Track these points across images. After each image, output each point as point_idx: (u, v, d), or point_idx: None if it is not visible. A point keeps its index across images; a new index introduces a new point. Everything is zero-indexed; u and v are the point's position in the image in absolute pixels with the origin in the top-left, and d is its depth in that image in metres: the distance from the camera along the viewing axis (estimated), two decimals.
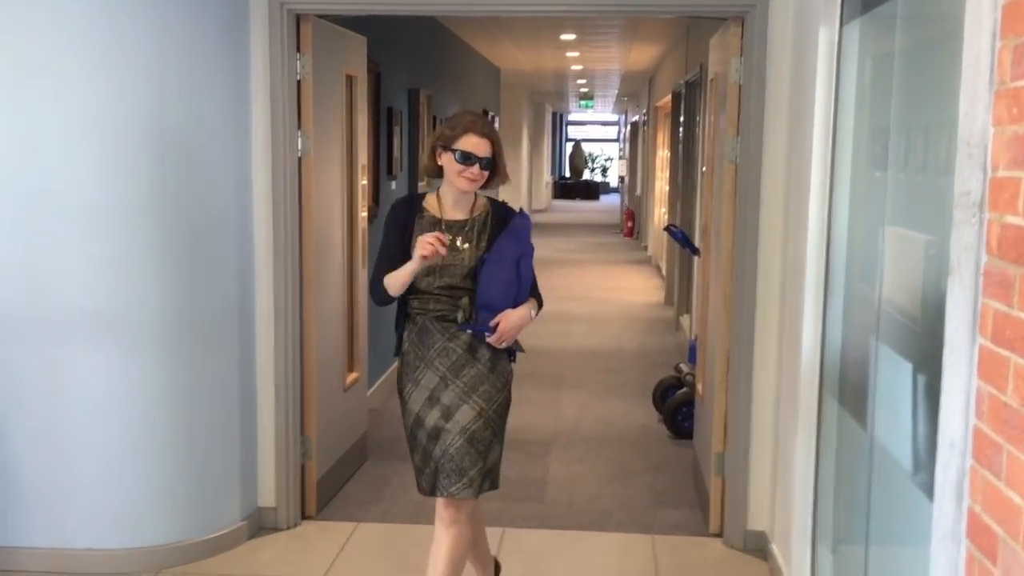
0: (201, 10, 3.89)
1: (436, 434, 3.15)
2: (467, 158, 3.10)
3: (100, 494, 3.88)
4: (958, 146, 1.88)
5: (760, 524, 4.25)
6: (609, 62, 14.19)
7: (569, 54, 13.06)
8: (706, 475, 4.55)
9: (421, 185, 7.53)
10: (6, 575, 3.85)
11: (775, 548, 4.06)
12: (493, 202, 3.29)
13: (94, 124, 3.73)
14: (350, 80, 5.03)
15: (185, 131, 3.89)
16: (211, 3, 3.94)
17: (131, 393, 3.86)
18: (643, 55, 12.74)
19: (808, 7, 3.68)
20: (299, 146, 4.29)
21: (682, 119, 9.25)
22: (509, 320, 3.14)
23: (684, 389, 5.92)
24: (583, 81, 18.71)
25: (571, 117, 36.88)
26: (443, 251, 3.00)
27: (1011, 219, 1.67)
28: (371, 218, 5.52)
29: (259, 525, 4.35)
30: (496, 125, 15.35)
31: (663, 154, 12.66)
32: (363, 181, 5.28)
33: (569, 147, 35.40)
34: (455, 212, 3.21)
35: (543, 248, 15.93)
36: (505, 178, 3.21)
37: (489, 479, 3.19)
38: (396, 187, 7.01)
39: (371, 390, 5.88)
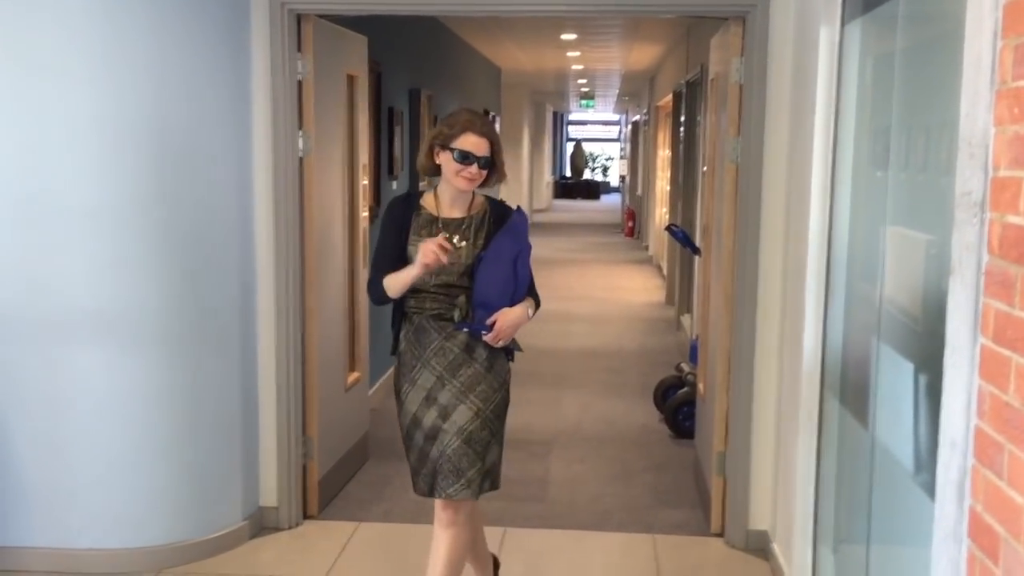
0: (202, 10, 3.90)
1: (433, 434, 3.13)
2: (465, 157, 3.08)
3: (102, 494, 3.88)
4: (959, 146, 1.88)
5: (761, 524, 4.25)
6: (610, 62, 14.19)
7: (570, 54, 13.07)
8: (707, 475, 4.55)
9: (422, 185, 7.53)
10: (8, 575, 3.85)
11: (776, 548, 4.06)
12: (491, 200, 3.27)
13: (95, 124, 3.73)
14: (351, 80, 5.03)
15: (186, 131, 3.89)
16: (212, 3, 3.94)
17: (132, 393, 3.86)
18: (644, 55, 12.74)
19: (809, 7, 3.68)
20: (300, 146, 4.29)
21: (683, 119, 9.25)
22: (506, 318, 3.12)
23: (685, 389, 5.92)
24: (584, 81, 18.72)
25: (572, 117, 36.88)
26: (444, 259, 2.99)
27: (1012, 219, 1.67)
28: (372, 218, 5.52)
29: (261, 525, 4.35)
30: (497, 125, 15.36)
31: (664, 154, 12.66)
32: (364, 181, 5.29)
33: (570, 147, 35.41)
34: (453, 210, 3.19)
35: (544, 248, 15.96)
36: (503, 177, 3.20)
37: (489, 479, 3.18)
38: (397, 187, 7.02)
39: (372, 390, 5.89)
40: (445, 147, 3.11)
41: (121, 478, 3.89)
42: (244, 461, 4.25)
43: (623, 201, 22.30)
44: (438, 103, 8.82)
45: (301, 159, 4.31)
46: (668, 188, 10.96)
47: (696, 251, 5.95)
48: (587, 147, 35.39)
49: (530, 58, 13.77)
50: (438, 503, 3.16)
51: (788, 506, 3.82)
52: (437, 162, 3.15)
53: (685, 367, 6.17)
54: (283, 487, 4.37)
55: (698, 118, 7.80)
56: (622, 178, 23.12)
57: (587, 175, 34.55)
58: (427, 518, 3.26)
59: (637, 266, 14.68)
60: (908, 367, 2.64)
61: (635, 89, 19.12)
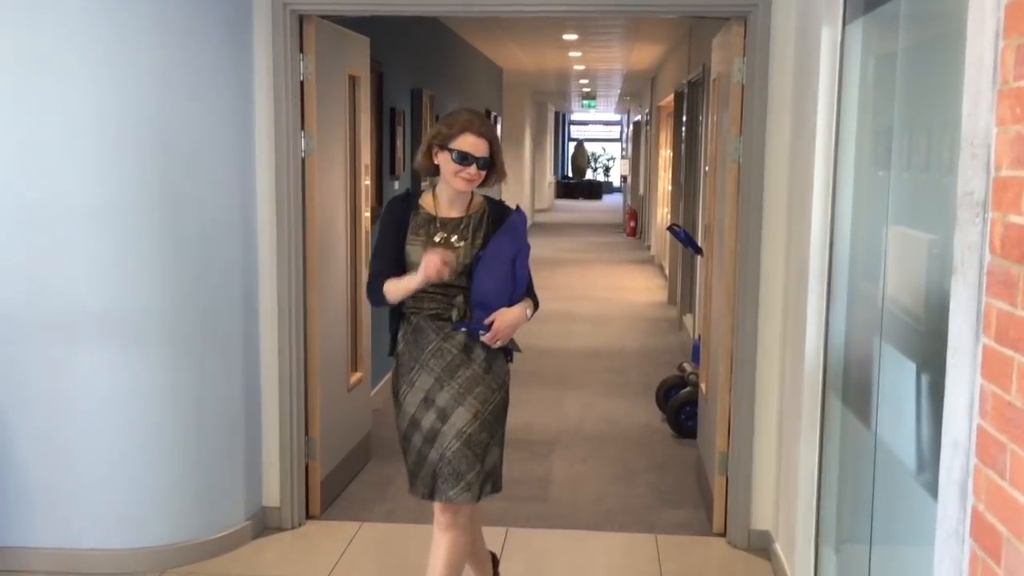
0: (204, 10, 3.90)
1: (432, 437, 3.11)
2: (464, 158, 3.06)
3: (105, 494, 3.89)
4: (961, 146, 1.88)
5: (764, 523, 4.25)
6: (611, 62, 14.19)
7: (571, 54, 13.07)
8: (710, 474, 4.55)
9: (424, 185, 7.53)
10: (11, 575, 3.86)
11: (779, 548, 4.06)
12: (490, 200, 3.25)
13: (97, 124, 3.73)
14: (353, 80, 5.04)
15: (189, 131, 3.89)
16: (214, 3, 3.94)
17: (135, 393, 3.87)
18: (645, 55, 12.74)
19: (811, 7, 3.68)
20: (302, 146, 4.30)
21: (685, 119, 9.25)
22: (504, 319, 3.09)
23: (687, 388, 5.92)
24: (585, 81, 18.71)
25: (574, 117, 36.88)
26: (446, 273, 2.98)
27: (1014, 219, 1.67)
28: (374, 218, 5.52)
29: (263, 525, 4.36)
30: (499, 125, 15.36)
31: (666, 154, 12.66)
32: (366, 181, 5.29)
33: (572, 147, 35.42)
34: (451, 210, 3.17)
35: (546, 248, 15.96)
36: (503, 176, 3.18)
37: (491, 482, 3.17)
38: (399, 187, 7.02)
39: (375, 390, 5.89)
40: (444, 147, 3.09)
41: (124, 478, 3.89)
42: (247, 461, 4.25)
43: (625, 201, 22.30)
44: (440, 103, 8.82)
45: (303, 159, 4.31)
46: (670, 188, 10.96)
47: (698, 251, 5.95)
48: (589, 147, 35.41)
49: (532, 58, 13.78)
50: (437, 506, 3.14)
51: (790, 506, 3.82)
52: (436, 162, 3.13)
53: (687, 367, 6.17)
54: (286, 487, 4.37)
55: (700, 118, 7.80)
56: (624, 178, 23.11)
57: (589, 175, 34.56)
58: (429, 518, 3.26)
59: (639, 266, 14.68)
60: (910, 367, 2.64)
61: (637, 89, 19.11)
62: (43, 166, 3.71)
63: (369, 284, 3.20)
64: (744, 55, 4.12)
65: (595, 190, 32.18)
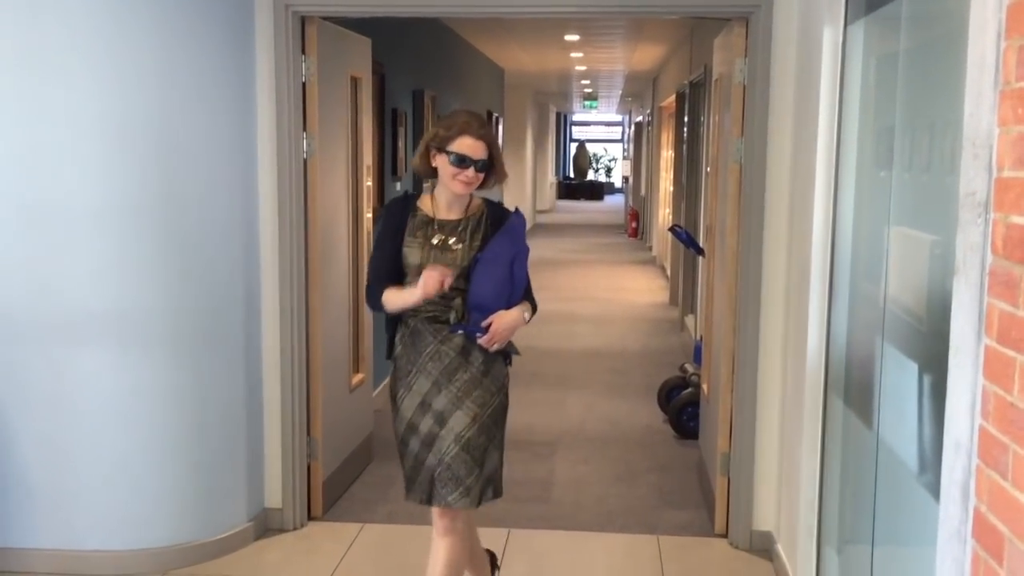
0: (206, 11, 3.90)
1: (430, 441, 3.09)
2: (462, 161, 3.03)
3: (107, 495, 3.89)
4: (963, 146, 1.88)
5: (766, 524, 4.25)
6: (613, 63, 14.20)
7: (573, 55, 13.07)
8: (711, 475, 4.55)
9: (427, 186, 7.53)
10: None
11: (781, 548, 4.06)
12: (488, 202, 3.23)
13: (100, 125, 3.73)
14: (355, 81, 5.04)
15: (191, 133, 3.90)
16: (216, 5, 3.95)
17: (137, 394, 3.87)
18: (647, 55, 12.74)
19: (812, 7, 3.69)
20: (304, 147, 4.30)
21: (686, 119, 9.25)
22: (502, 321, 3.05)
23: (689, 389, 5.92)
24: (587, 82, 18.72)
25: (575, 117, 36.89)
26: (447, 288, 2.96)
27: (1016, 219, 1.67)
28: (376, 219, 5.53)
29: (265, 526, 4.36)
30: (500, 126, 15.37)
31: (667, 154, 12.66)
32: (368, 182, 5.29)
33: (573, 147, 35.43)
34: (449, 212, 3.14)
35: (548, 249, 15.96)
36: (504, 177, 3.15)
37: (492, 487, 3.14)
38: (401, 188, 7.02)
39: (376, 391, 5.89)
40: (441, 150, 3.06)
41: (126, 479, 3.89)
42: (249, 462, 4.25)
43: (626, 202, 22.30)
44: (442, 104, 8.82)
45: (305, 160, 4.32)
46: (671, 189, 10.96)
47: (700, 252, 5.95)
48: (591, 148, 35.41)
49: (533, 59, 13.78)
50: (435, 511, 3.11)
51: (792, 507, 3.82)
52: (433, 165, 3.11)
53: (689, 368, 6.17)
54: (287, 488, 4.38)
55: (701, 119, 7.80)
56: (625, 179, 23.12)
57: (591, 176, 34.57)
58: (431, 520, 3.25)
59: (641, 267, 14.68)
60: (912, 367, 2.64)
61: (638, 90, 19.12)
62: (45, 167, 3.72)
63: (368, 288, 3.18)
64: (746, 56, 4.12)
65: (597, 191, 32.19)
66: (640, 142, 19.53)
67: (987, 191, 1.78)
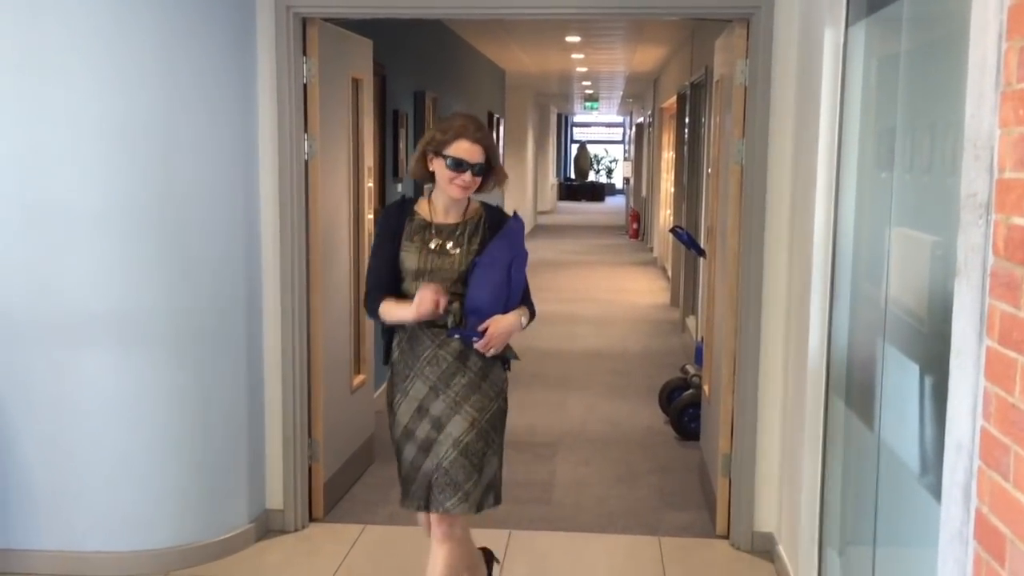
0: (208, 13, 3.91)
1: (427, 447, 3.06)
2: (458, 164, 3.00)
3: (108, 496, 3.89)
4: (964, 147, 1.89)
5: (767, 526, 4.25)
6: (614, 64, 14.20)
7: (574, 56, 13.07)
8: (713, 476, 4.55)
9: (428, 188, 7.53)
10: None
11: (782, 550, 4.06)
12: (487, 206, 3.20)
13: (101, 127, 3.74)
14: (356, 83, 5.04)
15: (192, 134, 3.90)
16: (218, 6, 3.95)
17: (139, 395, 3.87)
18: (648, 57, 12.75)
19: (813, 9, 3.69)
20: (306, 149, 4.30)
21: (687, 121, 9.25)
22: (498, 326, 3.01)
23: (690, 390, 5.92)
24: (588, 83, 18.72)
25: (576, 119, 36.90)
26: (440, 311, 2.94)
27: (1018, 220, 1.67)
28: (377, 220, 5.53)
29: (267, 527, 4.36)
30: (501, 127, 15.37)
31: (668, 156, 12.66)
32: (369, 183, 5.30)
33: (574, 149, 35.44)
34: (447, 217, 3.12)
35: (549, 250, 15.97)
36: (503, 180, 3.13)
37: (492, 494, 3.11)
38: (402, 189, 7.03)
39: (378, 392, 5.89)
40: (438, 154, 3.04)
41: (128, 480, 3.90)
42: (250, 463, 4.26)
43: (627, 203, 22.31)
44: (443, 105, 8.83)
45: (306, 162, 4.32)
46: (672, 190, 10.96)
47: (701, 253, 5.95)
48: (592, 149, 35.42)
49: (534, 60, 13.79)
50: (434, 517, 3.08)
51: (794, 508, 3.82)
52: (430, 169, 3.08)
53: (690, 369, 6.17)
54: (289, 489, 4.38)
55: (702, 120, 7.80)
56: (626, 180, 23.13)
57: (591, 177, 34.57)
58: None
59: (642, 268, 14.68)
60: (914, 369, 2.64)
61: (639, 91, 19.12)
62: (47, 168, 3.72)
63: (366, 296, 3.16)
64: (747, 57, 4.13)
65: (598, 192, 32.19)
66: (641, 143, 19.53)
67: (988, 192, 1.78)
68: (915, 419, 2.62)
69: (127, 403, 3.86)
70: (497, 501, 3.15)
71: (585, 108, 28.04)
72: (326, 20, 4.41)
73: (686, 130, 9.32)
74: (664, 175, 13.51)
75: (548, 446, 5.72)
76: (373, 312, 3.13)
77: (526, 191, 20.12)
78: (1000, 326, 1.74)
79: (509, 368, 3.21)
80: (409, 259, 3.08)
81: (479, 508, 3.07)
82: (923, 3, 2.72)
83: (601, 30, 10.33)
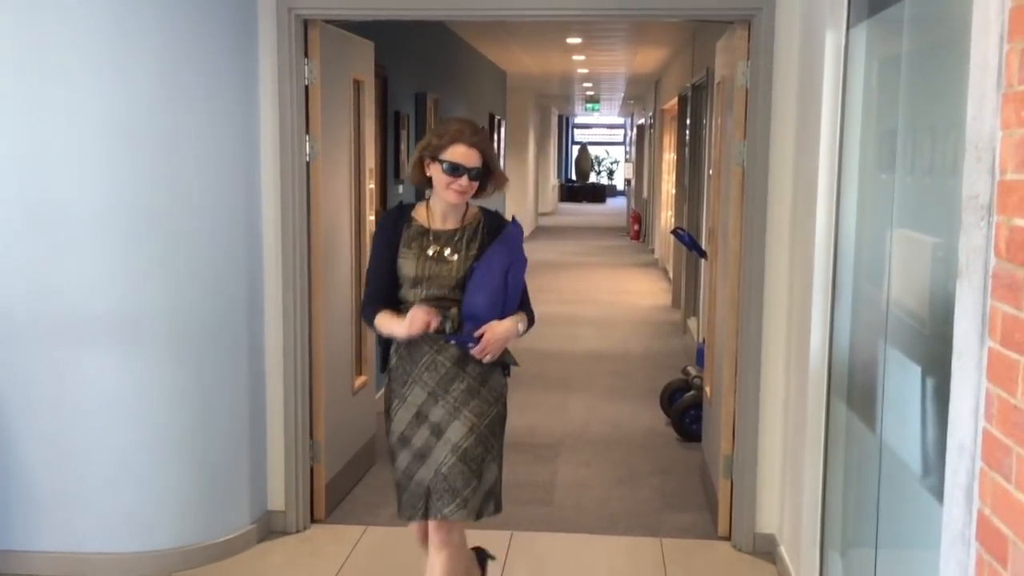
0: (210, 15, 3.91)
1: (425, 453, 3.04)
2: (455, 169, 2.98)
3: (110, 498, 3.89)
4: (966, 149, 1.89)
5: (769, 527, 4.25)
6: (615, 65, 14.20)
7: (575, 57, 13.08)
8: (714, 478, 4.55)
9: (429, 191, 7.53)
10: None
11: (784, 551, 4.05)
12: (485, 211, 3.17)
13: (103, 128, 3.74)
14: (358, 85, 5.05)
15: (194, 135, 3.90)
16: (220, 8, 3.96)
17: (140, 396, 3.87)
18: (649, 58, 12.75)
19: (815, 10, 3.69)
20: (307, 150, 4.31)
21: (688, 122, 9.25)
22: (494, 331, 2.98)
23: (692, 392, 5.92)
24: (589, 84, 18.73)
25: (577, 120, 36.92)
26: (432, 329, 2.94)
27: (1019, 222, 1.67)
28: (378, 222, 5.53)
29: (268, 528, 4.36)
30: (502, 128, 15.37)
31: (669, 157, 12.66)
32: (370, 185, 5.30)
33: (575, 150, 35.44)
34: (445, 222, 3.09)
35: (550, 251, 15.97)
36: (503, 183, 3.11)
37: (492, 501, 3.08)
38: (403, 191, 7.03)
39: (379, 393, 5.89)
40: (435, 159, 3.02)
41: (129, 482, 3.90)
42: (252, 464, 4.26)
43: (629, 204, 22.31)
44: (444, 107, 8.83)
45: (308, 163, 4.32)
46: (674, 191, 10.97)
47: (702, 254, 5.95)
48: (593, 150, 35.43)
49: (535, 62, 13.79)
50: (431, 524, 3.05)
51: (795, 509, 3.81)
52: (428, 174, 3.06)
53: (691, 370, 6.17)
54: (290, 491, 4.38)
55: (704, 121, 7.80)
56: (627, 181, 23.13)
57: (593, 178, 34.57)
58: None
59: (643, 269, 14.68)
60: (915, 370, 2.64)
61: (640, 92, 19.12)
62: (48, 169, 3.72)
63: (364, 303, 3.15)
64: (748, 59, 4.13)
65: (599, 193, 32.20)
66: (642, 145, 19.53)
67: (990, 194, 1.78)
68: (917, 420, 2.62)
69: (128, 404, 3.86)
70: (498, 509, 3.11)
71: (586, 110, 28.06)
72: (327, 22, 4.42)
73: (687, 132, 9.32)
74: (665, 176, 13.52)
75: (549, 447, 5.72)
76: (369, 323, 3.12)
77: (527, 193, 20.12)
78: (1002, 327, 1.74)
79: (508, 374, 3.18)
80: (407, 266, 3.06)
81: (479, 516, 3.04)
82: (924, 5, 2.72)
83: (602, 32, 10.34)
